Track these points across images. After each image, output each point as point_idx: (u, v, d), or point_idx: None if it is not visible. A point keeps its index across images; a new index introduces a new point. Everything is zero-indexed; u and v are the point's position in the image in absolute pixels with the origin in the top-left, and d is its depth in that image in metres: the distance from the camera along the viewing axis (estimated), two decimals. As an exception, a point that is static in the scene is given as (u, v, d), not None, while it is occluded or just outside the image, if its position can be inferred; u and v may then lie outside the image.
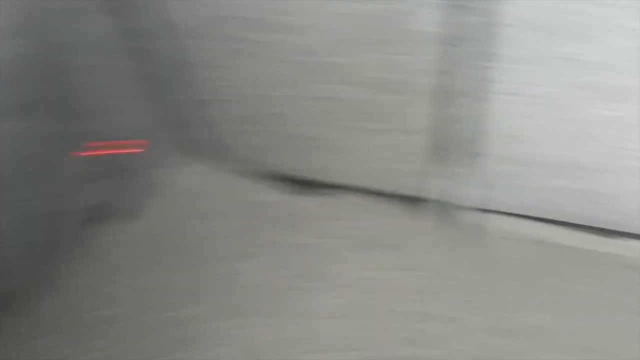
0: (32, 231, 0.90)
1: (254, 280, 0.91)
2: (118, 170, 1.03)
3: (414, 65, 0.80)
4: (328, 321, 0.84)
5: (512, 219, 0.97)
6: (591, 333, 0.80)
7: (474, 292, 0.87)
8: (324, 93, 0.88)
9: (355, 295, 0.87)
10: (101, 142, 0.99)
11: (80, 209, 0.99)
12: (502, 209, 0.97)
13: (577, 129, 0.80)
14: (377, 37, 0.79)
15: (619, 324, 0.81)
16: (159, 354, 0.80)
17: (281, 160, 1.06)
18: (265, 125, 1.00)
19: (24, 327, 0.85)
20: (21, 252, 0.88)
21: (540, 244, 0.94)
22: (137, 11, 0.89)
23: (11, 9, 0.76)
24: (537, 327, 0.81)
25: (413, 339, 0.79)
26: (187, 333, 0.83)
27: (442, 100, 0.83)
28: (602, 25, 0.68)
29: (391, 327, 0.82)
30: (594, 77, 0.73)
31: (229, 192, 1.09)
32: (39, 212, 0.90)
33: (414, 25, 0.76)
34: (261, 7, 0.82)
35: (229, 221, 1.03)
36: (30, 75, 0.84)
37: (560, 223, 0.95)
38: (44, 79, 0.87)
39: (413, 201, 1.00)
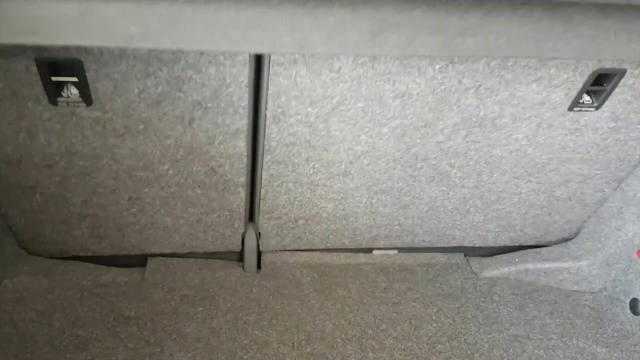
0: None
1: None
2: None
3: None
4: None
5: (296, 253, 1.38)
6: (359, 323, 1.23)
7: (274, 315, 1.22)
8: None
9: (204, 345, 1.13)
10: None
11: None
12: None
13: None
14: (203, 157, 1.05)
15: (378, 312, 1.26)
16: None
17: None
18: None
19: None
20: None
21: (316, 266, 1.37)
22: None
23: None
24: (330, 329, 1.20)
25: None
26: None
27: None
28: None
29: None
30: None
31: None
32: None
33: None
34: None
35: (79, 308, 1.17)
36: None
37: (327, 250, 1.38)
38: None
39: (231, 255, 1.34)
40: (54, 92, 0.89)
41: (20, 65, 0.85)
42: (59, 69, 0.86)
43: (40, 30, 0.71)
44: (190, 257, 1.32)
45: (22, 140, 0.96)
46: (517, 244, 1.43)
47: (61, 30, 0.72)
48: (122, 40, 0.73)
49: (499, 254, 1.46)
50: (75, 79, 0.88)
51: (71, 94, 0.90)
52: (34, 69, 0.85)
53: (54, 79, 0.87)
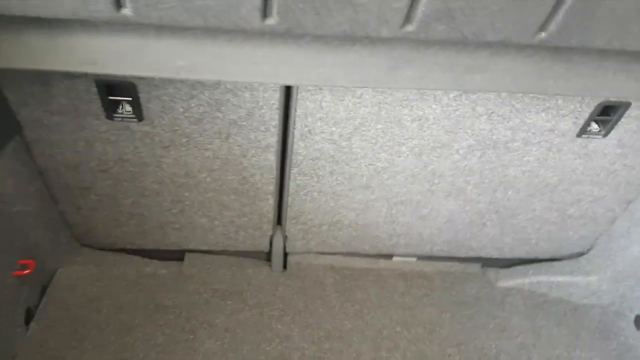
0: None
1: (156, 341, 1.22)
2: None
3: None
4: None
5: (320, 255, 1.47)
6: (375, 324, 1.33)
7: (297, 311, 1.33)
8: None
9: (232, 336, 1.25)
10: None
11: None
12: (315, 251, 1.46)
13: None
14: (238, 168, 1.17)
15: (395, 314, 1.35)
16: None
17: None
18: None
19: None
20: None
21: (339, 269, 1.47)
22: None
23: None
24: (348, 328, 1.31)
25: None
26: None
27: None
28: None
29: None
30: None
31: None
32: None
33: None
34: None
35: (123, 296, 1.30)
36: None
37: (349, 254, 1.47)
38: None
39: (260, 255, 1.45)
40: (110, 109, 1.02)
41: (82, 85, 0.97)
42: (115, 89, 0.98)
43: (101, 61, 0.84)
44: (223, 255, 1.44)
45: (81, 148, 1.09)
46: (532, 257, 1.50)
47: (118, 62, 0.84)
48: (170, 72, 0.85)
49: (515, 265, 1.52)
50: (129, 99, 1.00)
51: (125, 111, 1.03)
52: (94, 89, 0.98)
53: (110, 98, 1.00)
